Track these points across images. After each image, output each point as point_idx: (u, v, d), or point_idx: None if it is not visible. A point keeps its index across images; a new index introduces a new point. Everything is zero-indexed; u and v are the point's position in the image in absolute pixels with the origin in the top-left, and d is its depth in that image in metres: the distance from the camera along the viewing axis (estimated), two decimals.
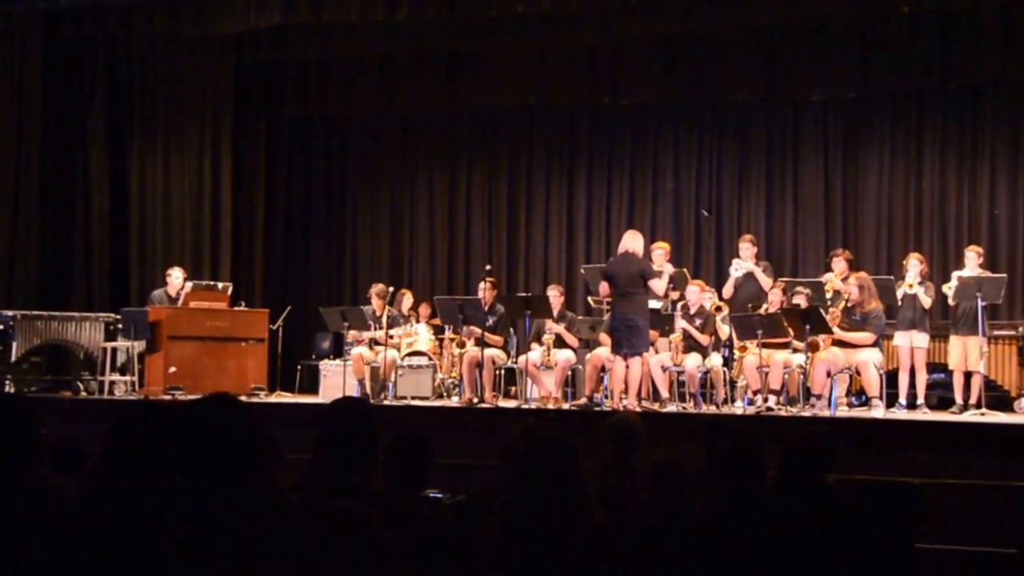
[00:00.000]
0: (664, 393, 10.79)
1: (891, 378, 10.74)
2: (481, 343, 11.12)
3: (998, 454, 8.51)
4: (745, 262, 11.63)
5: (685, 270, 12.22)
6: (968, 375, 10.61)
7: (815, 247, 13.48)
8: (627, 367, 10.20)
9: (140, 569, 2.80)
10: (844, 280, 11.09)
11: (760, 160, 13.99)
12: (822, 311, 10.36)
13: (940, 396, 11.23)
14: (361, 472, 3.69)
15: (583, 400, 10.90)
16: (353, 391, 11.55)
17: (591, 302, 12.23)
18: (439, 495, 4.63)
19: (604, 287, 10.53)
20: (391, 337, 11.83)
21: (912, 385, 10.67)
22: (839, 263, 11.39)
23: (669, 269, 11.35)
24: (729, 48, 13.41)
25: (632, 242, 10.42)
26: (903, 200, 13.43)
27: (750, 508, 4.17)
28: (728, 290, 11.69)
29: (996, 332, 11.05)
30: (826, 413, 10.09)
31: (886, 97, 13.50)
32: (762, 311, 10.89)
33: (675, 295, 11.51)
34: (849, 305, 10.41)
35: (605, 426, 5.54)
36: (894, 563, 4.04)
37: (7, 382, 11.77)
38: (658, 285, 10.37)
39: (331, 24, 13.32)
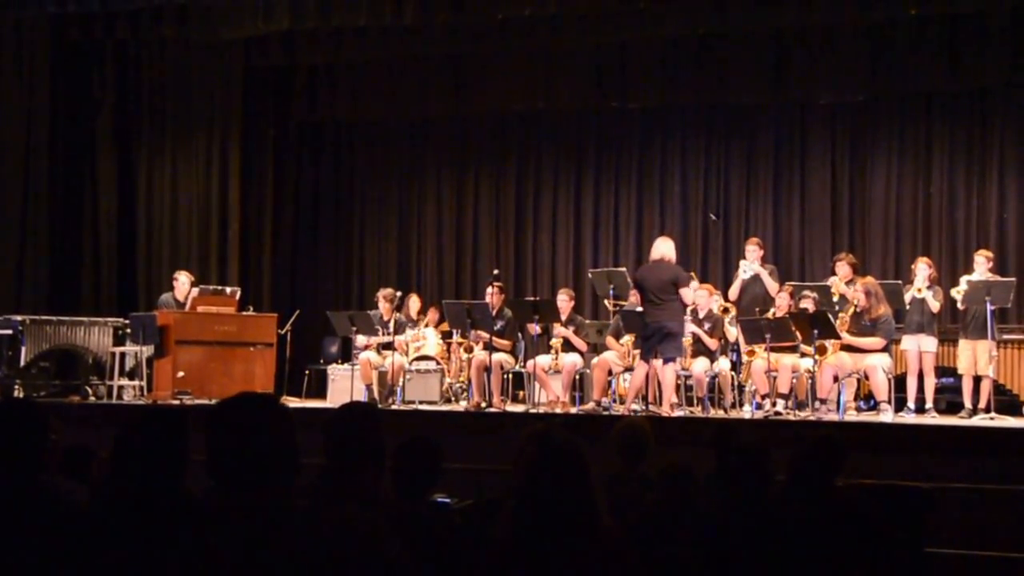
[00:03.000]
0: (673, 397, 10.77)
1: (900, 382, 10.72)
2: (489, 347, 11.12)
3: (1007, 458, 8.49)
4: (752, 264, 11.62)
5: (693, 273, 12.21)
6: (977, 379, 10.59)
7: (822, 250, 13.46)
8: (659, 372, 10.17)
9: (149, 574, 2.80)
10: (848, 284, 11.09)
11: (768, 163, 13.98)
12: (830, 316, 10.34)
13: (949, 400, 11.21)
14: (369, 477, 3.69)
15: (591, 404, 10.90)
16: (361, 396, 11.55)
17: (608, 305, 12.13)
18: (447, 500, 4.63)
19: (634, 295, 10.51)
20: (397, 341, 11.82)
21: (921, 389, 10.65)
22: (843, 267, 11.39)
23: None
24: (736, 51, 13.41)
25: (665, 248, 10.37)
26: (911, 203, 13.41)
27: (759, 512, 4.16)
28: (734, 292, 11.69)
29: (1005, 336, 11.03)
30: (834, 417, 10.07)
31: (894, 100, 13.49)
32: (770, 315, 10.88)
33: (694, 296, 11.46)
34: (858, 311, 10.39)
35: (614, 431, 5.54)
36: (903, 567, 4.04)
37: (16, 387, 11.79)
38: (687, 294, 10.30)
39: (339, 29, 13.35)
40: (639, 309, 10.74)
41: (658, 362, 10.15)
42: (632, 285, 10.66)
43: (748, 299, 11.58)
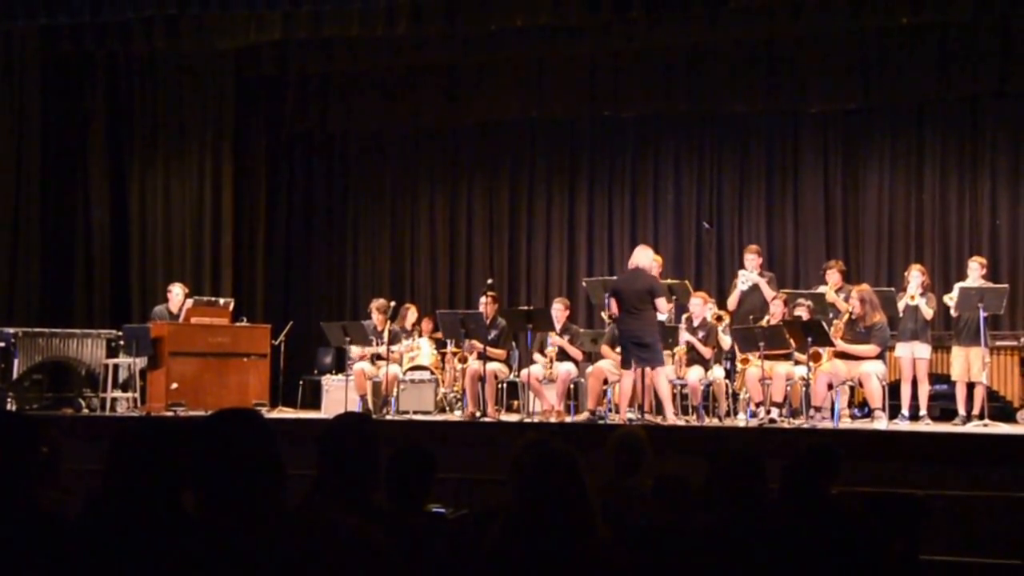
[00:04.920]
0: (665, 405, 10.76)
1: (893, 390, 10.73)
2: (483, 357, 11.11)
3: (1001, 465, 8.50)
4: (751, 273, 11.62)
5: (687, 282, 12.21)
6: (971, 386, 10.59)
7: (816, 259, 13.46)
8: (643, 380, 10.18)
9: None
10: (838, 291, 11.10)
11: (760, 172, 14.01)
12: (824, 323, 10.35)
13: (943, 407, 11.21)
14: (364, 487, 3.68)
15: (586, 413, 10.89)
16: (355, 406, 11.53)
17: (605, 318, 12.10)
18: (442, 510, 4.63)
19: (612, 304, 10.51)
20: (391, 351, 11.81)
21: (914, 396, 10.65)
22: (832, 275, 11.41)
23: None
24: (729, 60, 13.44)
25: (642, 257, 10.40)
26: (904, 211, 13.44)
27: (754, 521, 4.16)
28: (732, 301, 11.69)
29: (998, 343, 11.04)
30: (829, 425, 10.07)
31: (886, 109, 13.52)
32: (764, 323, 10.88)
33: (669, 306, 11.45)
34: (852, 318, 10.40)
35: (610, 440, 5.53)
36: (899, 574, 4.03)
37: (9, 399, 11.74)
38: (662, 303, 10.32)
39: (331, 39, 13.35)
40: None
41: (648, 370, 10.17)
42: (610, 294, 10.63)
43: (746, 308, 11.57)
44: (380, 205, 15.38)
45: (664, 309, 10.45)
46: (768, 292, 11.46)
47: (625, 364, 10.29)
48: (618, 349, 11.03)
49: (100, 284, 14.21)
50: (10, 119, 13.63)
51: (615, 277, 12.50)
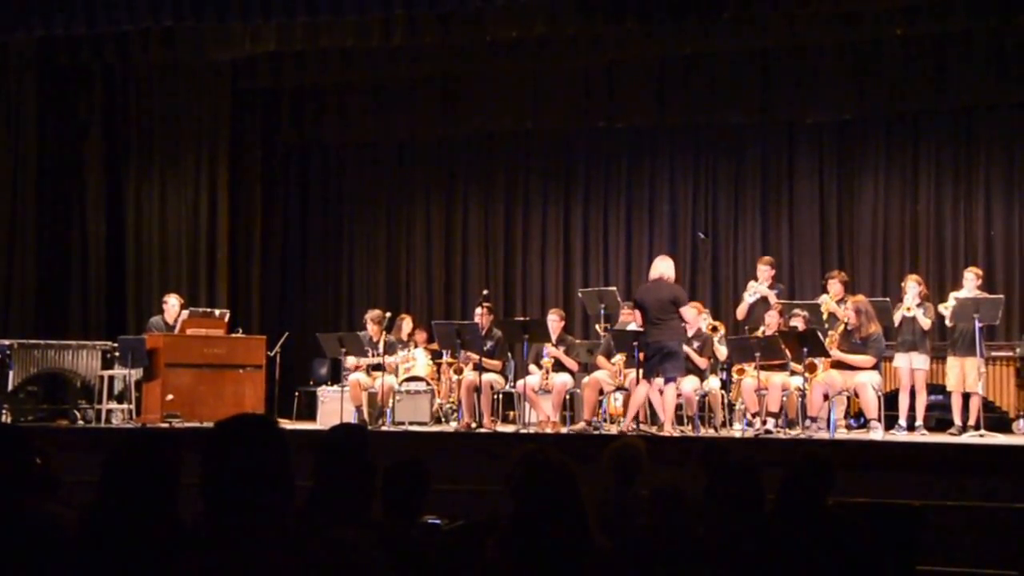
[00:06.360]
0: (662, 416, 10.75)
1: (890, 400, 10.72)
2: (479, 368, 11.10)
3: (997, 475, 8.50)
4: (761, 285, 11.63)
5: None
6: (966, 396, 10.59)
7: (811, 269, 13.48)
8: (661, 392, 10.19)
9: None
10: (840, 302, 11.09)
11: (756, 183, 14.01)
12: (820, 334, 10.35)
13: (938, 418, 11.20)
14: (359, 499, 3.67)
15: (581, 424, 10.88)
16: (351, 417, 11.51)
17: (599, 329, 12.10)
18: (438, 521, 4.62)
19: (636, 315, 10.53)
20: (387, 362, 11.79)
21: (911, 407, 10.64)
22: (834, 285, 11.40)
23: None
24: (724, 71, 13.47)
25: (664, 267, 10.41)
26: (899, 222, 13.45)
27: (750, 532, 4.16)
28: (742, 312, 11.72)
29: (994, 353, 11.03)
30: (825, 435, 10.07)
31: (881, 119, 13.54)
32: (760, 333, 10.89)
33: (698, 315, 11.43)
34: (848, 329, 10.40)
35: (608, 451, 5.53)
36: None
37: (3, 411, 11.72)
38: (688, 312, 10.36)
39: (326, 50, 13.36)
40: (631, 327, 10.79)
41: (659, 381, 10.17)
42: (632, 305, 10.70)
43: (756, 319, 11.59)
44: (375, 216, 15.37)
45: (690, 318, 10.48)
46: (775, 303, 11.48)
47: (648, 374, 10.26)
48: (613, 360, 11.06)
49: (96, 295, 14.19)
50: (6, 130, 13.64)
51: (611, 288, 12.53)
